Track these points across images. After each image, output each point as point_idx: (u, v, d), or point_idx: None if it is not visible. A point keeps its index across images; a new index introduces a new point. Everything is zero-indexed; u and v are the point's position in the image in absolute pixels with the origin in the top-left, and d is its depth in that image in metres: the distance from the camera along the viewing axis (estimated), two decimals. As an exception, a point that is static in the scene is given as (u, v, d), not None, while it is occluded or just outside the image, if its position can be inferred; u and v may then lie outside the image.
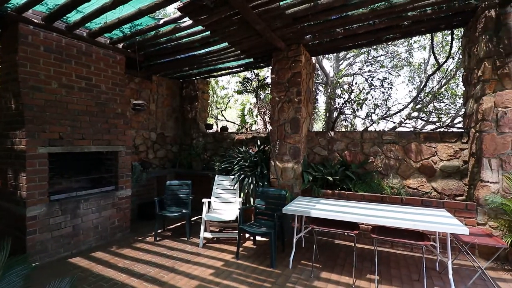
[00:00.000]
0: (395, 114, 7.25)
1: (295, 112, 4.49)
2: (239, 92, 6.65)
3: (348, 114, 7.29)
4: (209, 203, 4.53)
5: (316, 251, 3.60)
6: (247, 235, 4.44)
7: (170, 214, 4.36)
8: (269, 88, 5.44)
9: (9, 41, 3.46)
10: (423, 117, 7.61)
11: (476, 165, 3.60)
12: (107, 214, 4.22)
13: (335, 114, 7.38)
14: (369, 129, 6.94)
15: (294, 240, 3.47)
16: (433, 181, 4.12)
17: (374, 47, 8.11)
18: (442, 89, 7.20)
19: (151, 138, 6.13)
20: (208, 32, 3.92)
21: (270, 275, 3.17)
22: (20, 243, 3.34)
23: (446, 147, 4.05)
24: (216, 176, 4.93)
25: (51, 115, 3.59)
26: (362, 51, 8.63)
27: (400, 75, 8.82)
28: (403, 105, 7.47)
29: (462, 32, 4.34)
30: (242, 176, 4.72)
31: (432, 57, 7.38)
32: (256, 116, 8.19)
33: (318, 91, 7.80)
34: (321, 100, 8.46)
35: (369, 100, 6.81)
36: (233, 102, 9.99)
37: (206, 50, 4.70)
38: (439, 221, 2.82)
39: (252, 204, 4.53)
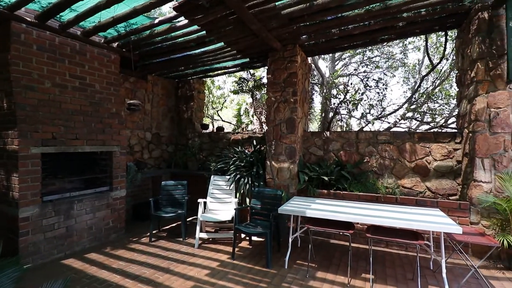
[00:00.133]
0: (390, 114, 7.31)
1: (291, 112, 4.49)
2: (235, 92, 6.65)
3: (343, 114, 7.33)
4: (205, 203, 4.51)
5: (312, 251, 3.60)
6: (243, 235, 4.44)
7: (166, 214, 4.33)
8: (265, 88, 5.45)
9: (1, 40, 3.41)
10: (418, 117, 7.69)
11: (469, 165, 3.64)
12: (101, 215, 4.18)
13: (331, 114, 7.42)
14: (364, 129, 6.99)
15: (290, 240, 3.48)
16: (427, 181, 4.16)
17: (370, 48, 8.16)
18: (436, 90, 7.29)
19: (146, 138, 6.09)
20: (204, 32, 3.90)
21: (265, 275, 3.17)
22: (12, 245, 3.29)
23: (440, 147, 4.09)
24: (212, 176, 4.92)
25: (44, 115, 3.54)
26: (357, 51, 8.68)
27: (395, 75, 8.89)
28: (398, 106, 7.54)
29: (456, 33, 4.40)
30: (238, 176, 4.71)
31: (426, 58, 7.44)
32: (252, 116, 8.18)
33: (314, 91, 7.83)
34: (317, 100, 8.51)
35: (365, 100, 6.86)
36: (229, 102, 9.97)
37: (202, 49, 4.68)
38: (433, 221, 2.85)
39: (248, 204, 4.53)
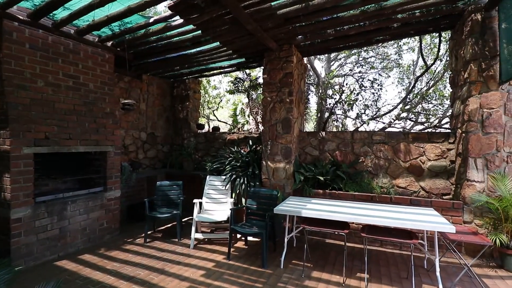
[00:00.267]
0: (384, 114, 7.36)
1: (286, 112, 4.50)
2: (231, 92, 6.64)
3: (339, 114, 7.36)
4: (200, 203, 4.50)
5: (307, 251, 3.61)
6: (238, 236, 4.43)
7: (161, 215, 4.30)
8: (261, 88, 5.44)
9: (-7, 38, 3.35)
10: (412, 117, 7.77)
11: (463, 164, 3.69)
12: (95, 216, 4.13)
13: (326, 114, 7.45)
14: (360, 129, 7.03)
15: (286, 240, 3.48)
16: (421, 181, 4.20)
17: (365, 48, 8.22)
18: (430, 91, 7.36)
19: (141, 138, 6.04)
20: (199, 31, 3.89)
21: (261, 275, 3.17)
22: (4, 246, 3.24)
23: (434, 147, 4.14)
24: (208, 176, 4.90)
25: (37, 115, 3.49)
26: (353, 52, 8.73)
27: (389, 76, 8.96)
28: (392, 106, 7.60)
29: (450, 35, 4.45)
30: (234, 176, 4.70)
31: (420, 59, 7.52)
32: (248, 116, 8.18)
33: (309, 92, 7.85)
34: (313, 100, 8.52)
35: (360, 100, 6.90)
36: (225, 102, 9.96)
37: (198, 49, 4.66)
38: (427, 220, 2.88)
39: (243, 204, 4.52)
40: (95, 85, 4.21)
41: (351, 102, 6.78)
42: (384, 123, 7.40)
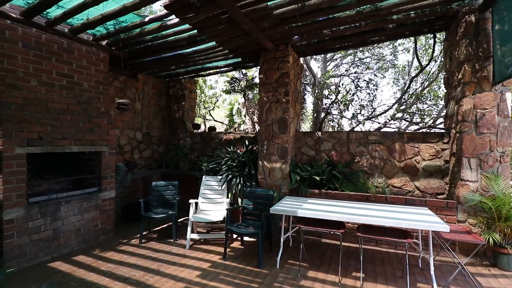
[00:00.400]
0: (380, 115, 7.41)
1: (283, 112, 4.50)
2: (227, 92, 6.61)
3: (335, 114, 7.39)
4: (196, 203, 4.48)
5: (303, 250, 3.62)
6: (234, 236, 4.42)
7: (156, 215, 4.27)
8: (257, 88, 5.43)
9: (-16, 36, 3.30)
10: (407, 118, 7.82)
11: (457, 164, 3.73)
12: (90, 217, 4.09)
13: (323, 114, 7.47)
14: (355, 129, 7.06)
15: (282, 240, 3.48)
16: (416, 180, 4.23)
17: (361, 49, 8.26)
18: (425, 91, 7.43)
19: (137, 138, 6.00)
20: (195, 31, 3.87)
21: (257, 275, 3.17)
22: (-4, 248, 3.19)
23: (429, 147, 4.17)
24: (204, 176, 4.88)
25: (30, 114, 3.44)
26: (348, 52, 8.77)
27: (385, 76, 9.01)
28: (388, 106, 7.64)
29: (444, 36, 4.49)
30: (230, 176, 4.69)
31: (415, 59, 7.58)
32: (245, 116, 8.16)
33: (306, 92, 7.86)
34: (309, 100, 8.55)
35: (355, 101, 6.92)
36: (221, 101, 9.92)
37: (193, 49, 4.64)
38: (422, 219, 2.90)
39: (239, 204, 4.51)
40: (89, 84, 4.16)
41: (347, 102, 6.80)
42: (379, 123, 7.45)
